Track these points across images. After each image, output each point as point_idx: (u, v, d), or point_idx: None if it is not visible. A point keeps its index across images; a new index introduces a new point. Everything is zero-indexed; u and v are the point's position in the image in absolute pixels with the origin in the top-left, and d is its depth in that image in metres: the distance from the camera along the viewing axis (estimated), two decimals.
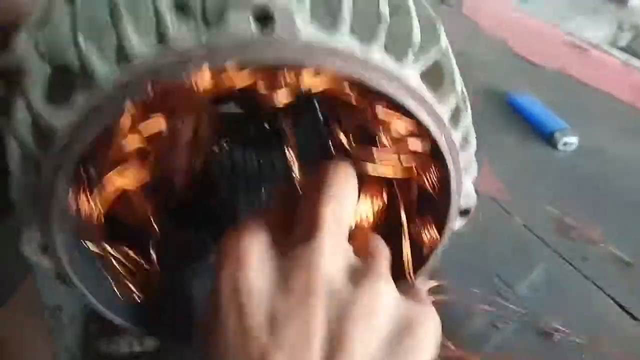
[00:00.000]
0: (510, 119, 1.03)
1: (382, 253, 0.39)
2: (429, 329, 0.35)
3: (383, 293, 0.35)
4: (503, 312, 0.66)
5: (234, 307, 0.34)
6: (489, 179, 0.86)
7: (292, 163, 0.67)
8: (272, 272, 0.34)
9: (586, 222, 0.80)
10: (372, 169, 0.42)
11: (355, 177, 0.41)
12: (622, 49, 1.41)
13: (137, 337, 0.59)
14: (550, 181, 0.89)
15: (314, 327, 0.32)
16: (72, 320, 0.64)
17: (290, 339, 0.32)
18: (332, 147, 0.63)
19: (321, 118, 0.68)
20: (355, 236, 0.41)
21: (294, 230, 0.37)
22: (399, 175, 0.46)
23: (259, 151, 0.73)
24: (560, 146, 0.95)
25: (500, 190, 0.85)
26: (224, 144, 0.70)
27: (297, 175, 0.66)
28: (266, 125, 0.76)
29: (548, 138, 0.97)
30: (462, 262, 0.71)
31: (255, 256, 0.35)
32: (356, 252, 0.39)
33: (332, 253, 0.35)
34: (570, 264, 0.73)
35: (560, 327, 0.63)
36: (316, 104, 0.70)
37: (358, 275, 0.35)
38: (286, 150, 0.68)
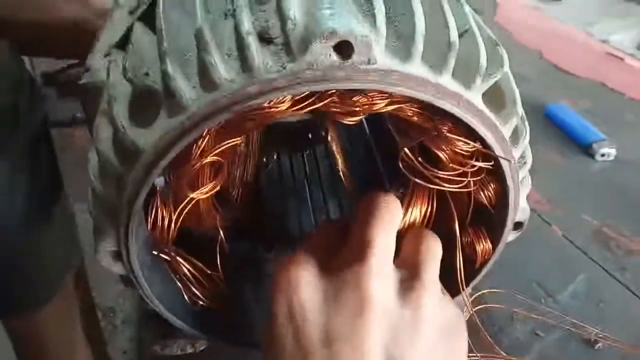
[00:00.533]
0: (548, 130, 1.05)
1: (430, 252, 0.42)
2: (464, 328, 0.39)
3: (427, 310, 0.37)
4: (545, 320, 0.67)
5: (290, 329, 0.36)
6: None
7: (341, 175, 0.69)
8: (324, 293, 0.37)
9: (625, 233, 0.81)
10: (432, 185, 0.44)
11: (400, 208, 0.44)
12: None
13: (189, 340, 0.61)
14: (588, 192, 0.90)
15: (369, 343, 0.34)
16: (125, 322, 0.66)
17: (346, 357, 0.34)
18: (380, 166, 0.65)
19: (371, 141, 0.71)
20: (406, 234, 0.44)
21: (342, 252, 0.39)
22: (456, 190, 0.48)
23: (307, 161, 0.75)
24: (598, 157, 0.96)
25: (540, 201, 0.86)
26: (273, 155, 0.72)
27: (346, 186, 0.68)
28: (312, 136, 0.79)
29: (586, 149, 0.98)
30: (504, 272, 0.73)
31: (306, 279, 0.37)
32: (405, 253, 0.42)
33: (381, 275, 0.37)
34: (610, 274, 0.74)
35: (602, 335, 0.64)
36: (366, 129, 0.72)
37: (406, 288, 0.37)
38: (337, 161, 0.70)
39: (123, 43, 0.44)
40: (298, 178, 0.72)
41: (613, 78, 1.21)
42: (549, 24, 1.47)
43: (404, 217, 0.51)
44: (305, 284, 0.37)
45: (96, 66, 0.49)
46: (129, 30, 0.44)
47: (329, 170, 0.74)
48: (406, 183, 0.59)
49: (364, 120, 0.74)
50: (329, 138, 0.74)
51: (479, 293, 0.69)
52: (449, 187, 0.42)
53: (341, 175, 0.68)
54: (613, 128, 1.03)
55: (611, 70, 1.25)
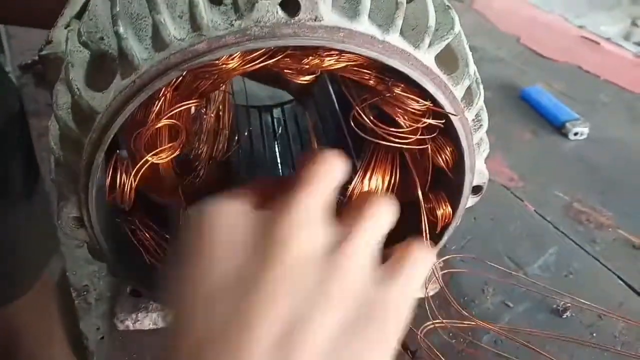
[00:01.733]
0: (522, 111, 1.05)
1: (367, 223, 0.36)
2: (394, 310, 0.34)
3: (353, 275, 0.33)
4: (514, 291, 0.68)
5: (201, 263, 0.33)
6: (502, 168, 0.89)
7: (313, 147, 0.69)
8: (244, 232, 0.33)
9: (596, 208, 0.82)
10: (389, 144, 0.44)
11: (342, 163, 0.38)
12: (638, 44, 1.42)
13: (160, 314, 0.62)
14: (561, 170, 0.91)
15: (273, 294, 0.31)
16: (98, 300, 0.67)
17: (242, 308, 0.30)
18: (344, 128, 0.66)
19: (334, 99, 0.71)
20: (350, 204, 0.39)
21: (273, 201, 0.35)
22: (414, 153, 0.49)
23: (279, 141, 0.76)
24: (571, 136, 0.97)
25: (513, 178, 0.87)
26: (245, 134, 0.73)
27: None
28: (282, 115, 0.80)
29: (559, 128, 0.99)
30: (474, 246, 0.74)
31: (232, 212, 0.34)
32: (348, 213, 0.36)
33: (304, 226, 0.33)
34: (581, 247, 0.75)
35: (571, 303, 0.65)
36: (329, 85, 0.73)
37: (332, 249, 0.33)
38: (310, 139, 0.71)
39: (82, 13, 0.45)
40: (270, 157, 0.73)
41: (589, 61, 1.22)
42: (528, 11, 1.49)
43: (362, 183, 0.52)
44: (229, 216, 0.34)
45: (58, 39, 0.50)
46: (88, 1, 0.45)
47: (300, 149, 0.74)
48: (370, 154, 0.60)
49: (333, 96, 0.75)
50: (304, 114, 0.75)
51: (447, 257, 0.70)
52: (401, 144, 0.43)
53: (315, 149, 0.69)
54: (587, 108, 1.04)
55: (587, 54, 1.26)
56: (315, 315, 0.31)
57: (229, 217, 0.34)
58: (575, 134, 0.96)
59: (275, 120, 0.79)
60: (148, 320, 0.61)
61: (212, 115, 0.63)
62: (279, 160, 0.73)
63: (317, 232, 0.34)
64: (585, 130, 0.96)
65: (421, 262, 0.36)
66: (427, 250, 0.37)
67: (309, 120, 0.78)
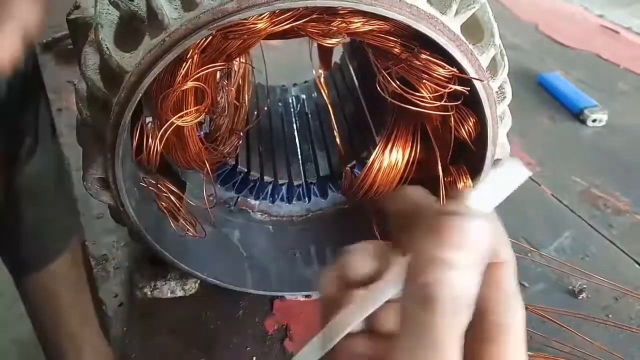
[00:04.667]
0: (540, 97, 1.05)
1: None
2: None
3: None
4: (530, 272, 0.68)
5: None
6: (519, 153, 0.88)
7: (333, 126, 0.70)
8: None
9: (613, 194, 0.81)
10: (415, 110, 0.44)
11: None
12: None
13: (179, 282, 0.63)
14: (579, 156, 0.90)
15: None
16: (117, 269, 0.68)
17: None
18: (364, 104, 0.66)
19: (353, 76, 0.71)
20: None
21: None
22: (435, 125, 0.49)
23: (298, 118, 0.76)
24: (589, 123, 0.97)
25: (530, 163, 0.87)
26: (265, 108, 0.73)
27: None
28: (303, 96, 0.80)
29: (577, 115, 0.98)
30: None
31: None
32: None
33: None
34: (597, 230, 0.75)
35: (586, 287, 0.65)
36: (348, 62, 0.73)
37: None
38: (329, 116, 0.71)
39: None
40: (288, 131, 0.73)
41: (608, 50, 1.21)
42: (547, 0, 1.48)
43: (383, 155, 0.52)
44: None
45: (86, 3, 0.50)
46: None
47: (318, 126, 0.75)
48: (391, 127, 0.60)
49: (352, 72, 0.75)
50: (322, 91, 0.75)
51: None
52: (427, 109, 0.43)
53: (333, 125, 0.69)
54: (605, 96, 1.03)
55: (606, 43, 1.25)
56: None
57: None
58: (594, 120, 0.96)
59: (293, 98, 0.79)
60: (166, 288, 0.62)
61: (233, 89, 0.63)
62: (296, 135, 0.73)
63: None
64: (604, 117, 0.96)
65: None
66: None
67: (327, 97, 0.78)
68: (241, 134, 0.61)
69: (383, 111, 0.62)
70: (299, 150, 0.71)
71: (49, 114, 1.04)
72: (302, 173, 0.67)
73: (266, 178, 0.65)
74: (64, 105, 0.99)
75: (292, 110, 0.78)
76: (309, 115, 0.76)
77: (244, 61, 0.64)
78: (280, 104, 0.80)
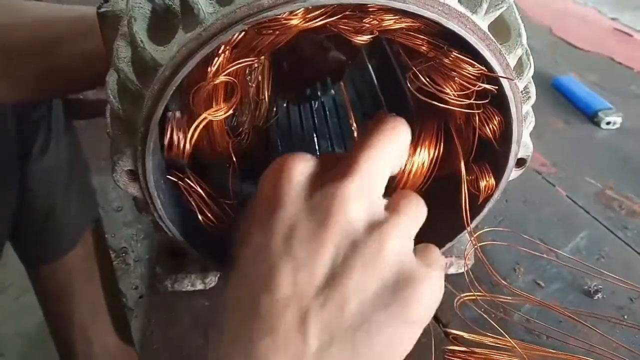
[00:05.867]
0: (554, 100, 1.06)
1: (410, 212, 0.40)
2: (427, 291, 0.36)
3: (390, 245, 0.36)
4: (545, 271, 0.69)
5: (265, 211, 0.38)
6: (534, 154, 0.89)
7: (351, 121, 0.70)
8: (303, 196, 0.38)
9: (628, 196, 0.82)
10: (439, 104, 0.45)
11: (408, 132, 0.44)
12: None
13: (199, 275, 0.63)
14: (593, 158, 0.91)
15: (322, 255, 0.35)
16: (137, 261, 0.68)
17: (300, 257, 0.35)
18: (383, 103, 0.66)
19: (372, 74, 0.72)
20: (396, 192, 0.43)
21: (335, 169, 0.39)
22: (458, 124, 0.50)
23: (316, 114, 0.77)
24: (603, 125, 0.97)
25: (545, 164, 0.88)
26: (283, 104, 0.74)
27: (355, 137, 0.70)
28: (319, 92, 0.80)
29: (592, 118, 0.99)
30: (506, 226, 0.74)
31: (297, 173, 0.38)
32: (388, 206, 0.40)
33: (356, 197, 0.37)
34: (612, 232, 0.75)
35: (602, 287, 0.66)
36: (367, 60, 0.74)
37: (376, 224, 0.37)
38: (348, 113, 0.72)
39: None
40: (306, 128, 0.74)
41: (621, 53, 1.21)
42: (560, 3, 1.48)
43: (412, 158, 0.52)
44: (297, 174, 0.38)
45: None
46: None
47: (337, 123, 0.75)
48: (413, 127, 0.60)
49: (371, 71, 0.75)
50: (341, 89, 0.75)
51: (482, 231, 0.70)
52: (458, 107, 0.43)
53: (352, 124, 0.70)
54: (619, 99, 1.04)
55: (620, 46, 1.25)
56: (353, 274, 0.35)
57: (301, 172, 0.39)
58: (608, 123, 0.96)
59: (311, 94, 0.80)
60: (187, 282, 0.62)
61: (253, 85, 0.64)
62: (315, 133, 0.74)
63: (372, 203, 0.38)
64: (618, 119, 0.96)
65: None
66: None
67: (345, 95, 0.79)
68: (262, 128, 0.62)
69: (403, 109, 0.62)
70: (317, 146, 0.71)
71: (64, 107, 1.06)
72: None
73: None
74: (80, 98, 1.00)
75: (309, 106, 0.79)
76: (328, 113, 0.77)
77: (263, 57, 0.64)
78: (298, 99, 0.80)
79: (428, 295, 0.36)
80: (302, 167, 0.39)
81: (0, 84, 0.71)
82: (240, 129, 0.57)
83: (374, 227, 0.37)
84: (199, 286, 0.63)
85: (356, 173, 0.38)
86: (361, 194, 0.37)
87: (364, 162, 0.38)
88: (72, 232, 1.08)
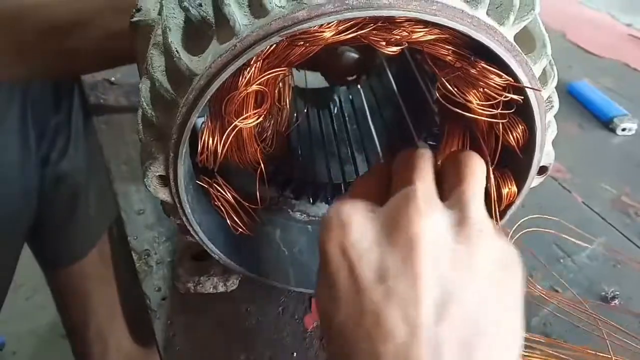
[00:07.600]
0: (569, 105, 1.06)
1: (473, 177, 0.42)
2: (520, 265, 0.38)
3: (480, 239, 0.37)
4: (562, 277, 0.69)
5: (344, 266, 0.36)
6: None
7: (372, 130, 0.71)
8: (375, 233, 0.37)
9: None
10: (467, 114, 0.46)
11: (431, 155, 0.45)
12: None
13: (222, 278, 0.64)
14: (609, 164, 0.91)
15: (423, 279, 0.34)
16: (159, 263, 0.69)
17: (401, 292, 0.34)
18: (404, 109, 0.67)
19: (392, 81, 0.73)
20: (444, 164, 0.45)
21: (389, 198, 0.40)
22: (482, 132, 0.51)
23: (336, 120, 0.78)
24: (619, 131, 0.98)
25: (561, 170, 0.88)
26: (304, 111, 0.75)
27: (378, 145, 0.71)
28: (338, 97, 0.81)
29: (607, 124, 0.99)
30: (524, 234, 0.75)
31: (357, 218, 0.38)
32: (448, 184, 0.42)
33: (428, 213, 0.37)
34: (629, 239, 0.76)
35: (619, 293, 0.66)
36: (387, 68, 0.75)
37: (458, 225, 0.38)
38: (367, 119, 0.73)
39: None
40: (326, 134, 0.75)
41: (636, 59, 1.22)
42: (574, 8, 1.48)
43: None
44: (357, 222, 0.38)
45: (147, 6, 0.52)
46: None
47: (356, 129, 0.76)
48: (434, 135, 0.61)
49: (392, 79, 0.76)
50: (359, 94, 0.77)
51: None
52: (485, 116, 0.44)
53: (372, 130, 0.71)
54: (635, 105, 1.04)
55: (634, 52, 1.26)
56: (465, 284, 0.35)
57: (357, 220, 0.38)
58: (623, 129, 0.97)
59: (331, 101, 0.81)
60: (209, 284, 0.64)
61: (275, 92, 0.65)
62: (335, 138, 0.75)
63: (439, 215, 0.38)
64: (634, 126, 0.97)
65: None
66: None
67: (365, 102, 0.80)
68: (284, 135, 0.63)
69: (425, 117, 0.63)
70: (337, 152, 0.73)
71: (84, 112, 1.07)
72: (341, 174, 0.69)
73: (307, 178, 0.67)
74: (100, 103, 1.01)
75: (329, 112, 0.80)
76: (347, 119, 0.78)
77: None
78: (317, 106, 0.81)
79: (521, 267, 0.38)
80: (358, 211, 0.39)
81: (34, 61, 0.74)
82: (265, 135, 0.58)
83: (458, 233, 0.37)
84: (221, 289, 0.64)
85: (416, 193, 0.38)
86: (429, 209, 0.38)
87: (417, 180, 0.41)
88: (90, 235, 1.10)
